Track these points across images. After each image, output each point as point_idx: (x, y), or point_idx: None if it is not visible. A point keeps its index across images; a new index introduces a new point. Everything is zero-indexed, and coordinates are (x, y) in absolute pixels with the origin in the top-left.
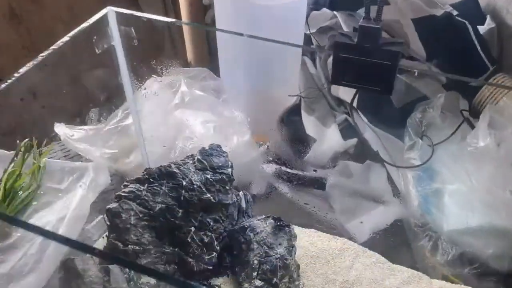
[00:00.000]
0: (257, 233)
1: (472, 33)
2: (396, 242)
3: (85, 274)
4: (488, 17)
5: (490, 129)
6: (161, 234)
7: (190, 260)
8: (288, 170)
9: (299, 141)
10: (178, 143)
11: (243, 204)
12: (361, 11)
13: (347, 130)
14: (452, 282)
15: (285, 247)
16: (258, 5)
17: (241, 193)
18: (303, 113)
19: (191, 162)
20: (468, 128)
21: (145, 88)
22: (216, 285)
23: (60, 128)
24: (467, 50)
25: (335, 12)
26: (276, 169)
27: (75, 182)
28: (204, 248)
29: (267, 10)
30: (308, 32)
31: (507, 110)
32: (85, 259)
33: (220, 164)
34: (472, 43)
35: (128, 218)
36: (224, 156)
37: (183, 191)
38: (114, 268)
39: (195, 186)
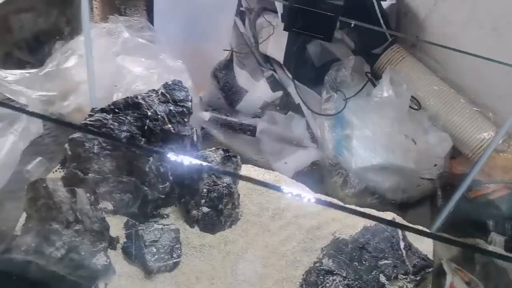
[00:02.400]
0: (208, 163)
1: (376, 7)
2: (314, 179)
3: (55, 194)
4: None
5: (391, 84)
6: (121, 163)
7: (146, 188)
8: (223, 116)
9: (232, 91)
10: (120, 87)
11: (195, 138)
12: None
13: (273, 84)
14: None
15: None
16: None
17: (194, 128)
18: (235, 66)
19: (154, 95)
20: (371, 87)
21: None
22: (165, 214)
23: None
24: (371, 22)
25: None
26: (212, 116)
27: (5, 128)
28: (159, 178)
29: None
30: None
31: (402, 71)
32: (54, 180)
33: (182, 98)
34: (376, 16)
35: (91, 147)
36: (185, 91)
37: (148, 121)
38: (80, 191)
39: (159, 117)
